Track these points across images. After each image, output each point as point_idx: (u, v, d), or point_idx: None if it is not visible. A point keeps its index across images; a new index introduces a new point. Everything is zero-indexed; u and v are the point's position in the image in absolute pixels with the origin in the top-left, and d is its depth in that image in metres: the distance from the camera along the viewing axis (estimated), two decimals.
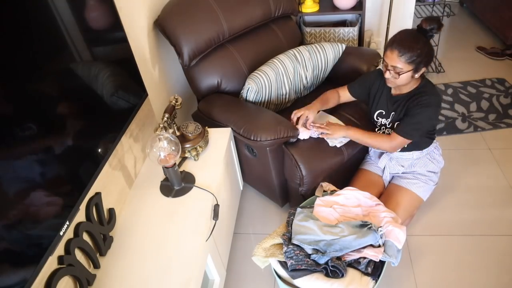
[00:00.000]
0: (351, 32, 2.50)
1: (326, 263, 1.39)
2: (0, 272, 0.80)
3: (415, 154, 1.68)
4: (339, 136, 1.66)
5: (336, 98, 1.79)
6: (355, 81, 1.77)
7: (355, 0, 2.40)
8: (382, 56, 1.53)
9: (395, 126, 1.61)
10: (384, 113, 1.66)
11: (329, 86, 2.13)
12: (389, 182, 1.81)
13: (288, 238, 1.49)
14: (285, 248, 1.44)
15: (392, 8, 2.48)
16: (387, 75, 1.49)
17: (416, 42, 1.40)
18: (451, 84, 2.77)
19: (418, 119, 1.51)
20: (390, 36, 2.64)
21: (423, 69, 1.46)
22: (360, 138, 1.63)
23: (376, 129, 1.73)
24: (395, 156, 1.72)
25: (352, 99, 1.79)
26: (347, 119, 1.81)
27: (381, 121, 1.68)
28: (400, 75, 1.45)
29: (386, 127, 1.67)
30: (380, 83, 1.66)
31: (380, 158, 1.77)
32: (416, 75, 1.47)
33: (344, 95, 1.79)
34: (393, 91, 1.61)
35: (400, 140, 1.55)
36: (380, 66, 1.56)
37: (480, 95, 2.63)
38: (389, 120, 1.64)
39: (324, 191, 1.67)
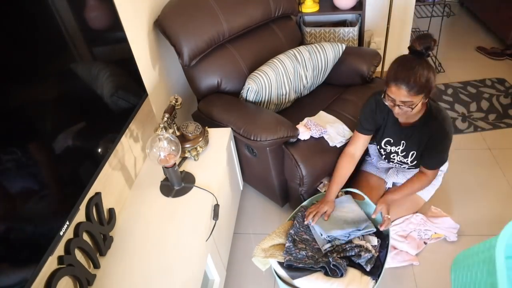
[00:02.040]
0: (351, 32, 2.50)
1: (327, 262, 1.39)
2: (0, 272, 0.80)
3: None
4: (390, 208, 1.57)
5: (352, 164, 1.63)
6: (360, 122, 1.60)
7: (355, 0, 2.40)
8: (385, 91, 1.36)
9: (410, 155, 1.56)
10: (392, 141, 1.59)
11: (329, 86, 2.14)
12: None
13: (292, 234, 1.49)
14: (287, 244, 1.45)
15: (392, 8, 2.48)
16: (397, 110, 1.36)
17: (419, 70, 1.26)
18: (451, 84, 2.77)
19: (443, 147, 1.46)
20: (390, 36, 2.64)
21: (432, 91, 1.34)
22: (404, 194, 1.58)
23: (383, 157, 1.68)
24: (402, 170, 1.72)
25: (368, 141, 1.64)
26: (347, 119, 1.81)
27: (390, 149, 1.62)
28: (413, 108, 1.33)
29: (398, 155, 1.61)
30: (385, 111, 1.53)
31: (388, 173, 1.76)
32: (426, 100, 1.37)
33: (360, 143, 1.62)
34: (401, 120, 1.52)
35: (435, 172, 1.53)
36: (386, 102, 1.39)
37: (480, 95, 2.63)
38: (401, 148, 1.58)
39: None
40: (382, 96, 1.38)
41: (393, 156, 1.63)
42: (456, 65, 3.00)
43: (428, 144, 1.46)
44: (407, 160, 1.59)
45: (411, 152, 1.55)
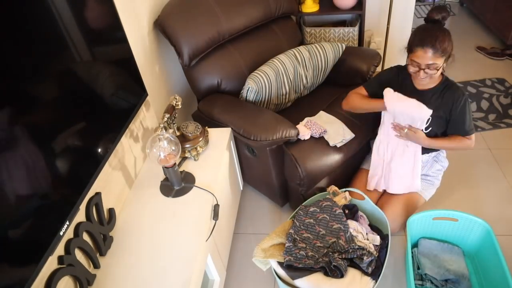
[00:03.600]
0: (351, 32, 2.50)
1: (327, 262, 1.39)
2: (0, 272, 0.80)
3: (423, 157, 1.67)
4: (418, 141, 1.58)
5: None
6: (371, 79, 1.73)
7: (355, 0, 2.40)
8: (408, 58, 1.47)
9: (426, 121, 1.56)
10: None
11: (329, 86, 2.14)
12: None
13: (292, 234, 1.49)
14: (287, 244, 1.45)
15: (392, 8, 2.48)
16: (422, 75, 1.44)
17: (442, 34, 1.38)
18: None
19: (470, 115, 1.52)
20: (390, 36, 2.64)
21: (451, 56, 1.44)
22: (443, 143, 1.58)
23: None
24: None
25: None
26: (347, 119, 1.81)
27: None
28: (438, 70, 1.42)
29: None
30: (399, 80, 1.62)
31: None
32: (445, 64, 1.45)
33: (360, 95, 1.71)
34: (418, 87, 1.57)
35: (474, 139, 1.55)
36: (410, 70, 1.48)
37: (480, 95, 2.63)
38: None
39: (333, 192, 1.68)
40: (406, 64, 1.48)
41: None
42: (456, 65, 2.99)
43: (456, 112, 1.51)
44: (421, 128, 1.59)
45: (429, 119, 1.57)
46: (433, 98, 1.54)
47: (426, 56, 1.39)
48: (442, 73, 1.53)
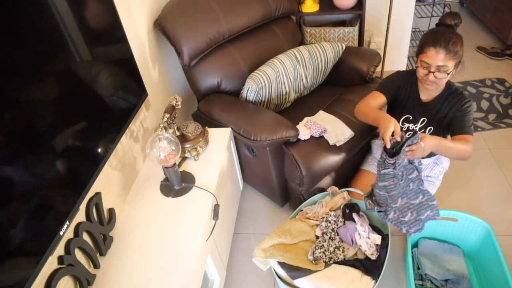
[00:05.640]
0: (351, 32, 2.50)
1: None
2: (0, 272, 0.80)
3: (425, 161, 1.67)
4: (430, 148, 1.37)
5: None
6: (384, 81, 1.63)
7: (355, 0, 2.40)
8: (418, 60, 1.42)
9: (427, 130, 1.56)
10: (411, 118, 1.58)
11: (329, 86, 2.14)
12: None
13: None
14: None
15: (392, 8, 2.48)
16: (431, 78, 1.39)
17: (456, 37, 1.36)
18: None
19: (472, 116, 1.49)
20: (390, 36, 2.65)
21: (460, 63, 1.41)
22: (448, 147, 1.41)
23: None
24: (418, 129, 1.67)
25: (383, 105, 1.60)
26: (347, 119, 1.81)
27: (408, 126, 1.61)
28: (448, 73, 1.38)
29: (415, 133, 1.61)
30: (408, 87, 1.57)
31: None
32: (455, 71, 1.42)
33: (376, 101, 1.57)
34: (423, 97, 1.55)
35: (472, 140, 1.46)
36: (419, 72, 1.43)
37: (480, 95, 2.63)
38: (419, 125, 1.58)
39: (333, 192, 1.68)
40: (416, 66, 1.45)
41: (409, 135, 1.60)
42: None
43: (457, 113, 1.48)
44: (424, 130, 1.58)
45: (429, 127, 1.56)
46: (440, 107, 1.52)
47: (438, 56, 1.35)
48: (448, 82, 1.50)
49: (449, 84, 1.52)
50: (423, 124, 1.58)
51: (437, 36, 1.37)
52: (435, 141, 1.34)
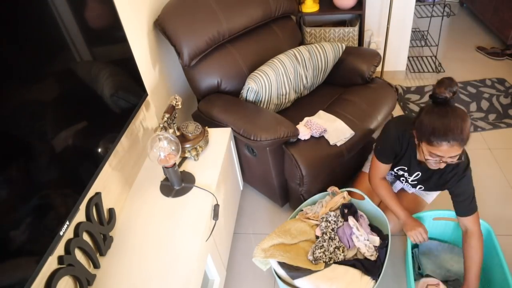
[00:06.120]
0: (351, 32, 2.50)
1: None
2: (0, 272, 0.80)
3: None
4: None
5: (385, 181, 1.59)
6: (381, 148, 1.52)
7: (355, 0, 2.40)
8: (425, 149, 1.28)
9: (418, 186, 1.56)
10: (406, 169, 1.54)
11: (329, 86, 2.14)
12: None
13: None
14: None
15: (392, 8, 2.48)
16: (442, 166, 1.29)
17: (462, 121, 1.18)
18: None
19: (470, 189, 1.41)
20: (390, 36, 2.64)
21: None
22: (477, 271, 1.38)
23: (392, 175, 1.66)
24: (411, 180, 1.64)
25: (388, 168, 1.56)
26: (347, 119, 1.81)
27: (402, 173, 1.58)
28: (460, 159, 1.26)
29: (407, 182, 1.59)
30: (404, 145, 1.46)
31: (395, 184, 1.73)
32: None
33: (382, 171, 1.56)
34: (419, 157, 1.43)
35: (478, 217, 1.42)
36: (429, 160, 1.28)
37: (480, 95, 2.63)
38: (412, 178, 1.55)
39: (332, 192, 1.68)
40: (418, 154, 1.36)
41: (403, 179, 1.61)
42: (456, 65, 3.00)
43: (454, 188, 1.41)
44: (415, 184, 1.58)
45: (420, 185, 1.55)
46: (431, 172, 1.46)
47: (453, 150, 1.20)
48: None
49: None
50: (417, 178, 1.54)
51: (445, 127, 1.18)
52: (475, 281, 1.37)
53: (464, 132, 1.18)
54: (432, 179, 1.49)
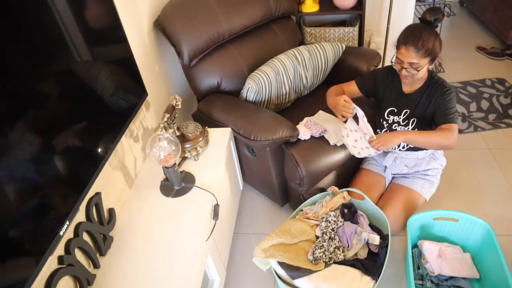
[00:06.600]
0: (351, 32, 2.50)
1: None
2: (0, 272, 0.80)
3: (420, 154, 1.68)
4: (394, 145, 1.49)
5: (341, 94, 1.70)
6: (363, 76, 1.76)
7: (355, 0, 2.40)
8: (395, 55, 1.50)
9: (411, 122, 1.60)
10: (395, 111, 1.64)
11: (329, 86, 2.14)
12: (390, 182, 1.81)
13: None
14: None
15: (392, 8, 2.48)
16: (405, 73, 1.47)
17: (428, 35, 1.39)
18: (451, 84, 2.74)
19: (452, 104, 1.50)
20: (390, 36, 2.64)
21: (436, 59, 1.46)
22: (418, 139, 1.48)
23: (385, 129, 1.69)
24: (400, 156, 1.72)
25: (358, 94, 1.74)
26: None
27: (393, 119, 1.65)
28: (419, 70, 1.44)
29: (399, 124, 1.64)
30: (389, 80, 1.64)
31: (386, 157, 1.76)
32: (431, 66, 1.48)
33: (350, 90, 1.74)
34: (405, 89, 1.60)
35: (456, 128, 1.46)
36: (394, 66, 1.52)
37: (480, 95, 2.63)
38: (402, 117, 1.62)
39: (332, 192, 1.68)
40: (391, 60, 1.51)
41: (395, 126, 1.66)
42: (456, 65, 3.00)
43: (438, 101, 1.51)
44: (408, 128, 1.63)
45: (412, 119, 1.60)
46: (420, 100, 1.56)
47: (408, 54, 1.42)
48: (431, 74, 1.55)
49: (431, 76, 1.55)
50: (406, 115, 1.61)
51: (409, 34, 1.43)
52: (398, 139, 1.47)
53: (422, 41, 1.38)
54: (419, 108, 1.56)
